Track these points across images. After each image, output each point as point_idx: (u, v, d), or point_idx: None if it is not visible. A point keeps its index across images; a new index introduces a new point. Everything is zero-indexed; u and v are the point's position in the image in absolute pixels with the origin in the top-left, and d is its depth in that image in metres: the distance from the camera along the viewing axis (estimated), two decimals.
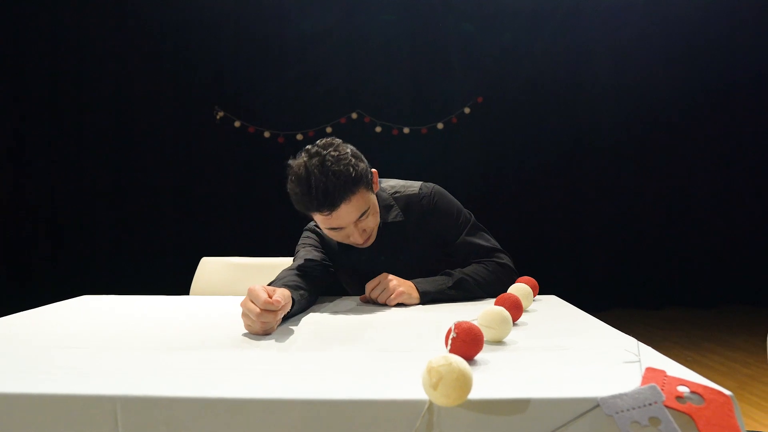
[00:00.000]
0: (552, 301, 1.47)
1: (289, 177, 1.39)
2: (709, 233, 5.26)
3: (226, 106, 5.04)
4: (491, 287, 1.47)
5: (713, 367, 3.41)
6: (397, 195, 1.59)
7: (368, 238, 1.46)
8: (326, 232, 1.45)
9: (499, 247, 1.62)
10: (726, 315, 4.92)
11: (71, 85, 5.02)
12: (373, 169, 1.48)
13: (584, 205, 5.22)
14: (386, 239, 1.54)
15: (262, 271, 2.16)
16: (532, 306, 1.34)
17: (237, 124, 5.05)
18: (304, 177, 1.31)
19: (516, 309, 1.11)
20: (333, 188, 1.29)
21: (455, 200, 1.64)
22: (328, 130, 5.08)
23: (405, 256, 1.56)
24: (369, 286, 1.42)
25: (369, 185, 1.41)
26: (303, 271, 1.42)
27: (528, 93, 5.10)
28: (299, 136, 5.06)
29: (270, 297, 1.06)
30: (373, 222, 1.44)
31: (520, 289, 1.25)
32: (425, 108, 5.07)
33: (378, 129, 5.07)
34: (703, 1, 5.04)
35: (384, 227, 1.54)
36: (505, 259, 1.58)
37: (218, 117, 5.04)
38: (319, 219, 1.39)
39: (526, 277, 1.38)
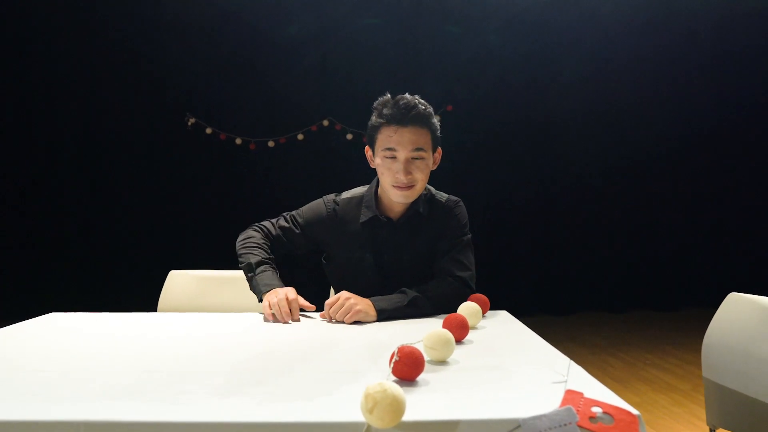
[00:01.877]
0: (501, 317, 1.53)
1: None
2: (671, 238, 5.44)
3: (198, 112, 5.05)
4: (445, 304, 1.52)
5: (670, 369, 3.54)
6: (425, 192, 1.70)
7: (408, 188, 1.55)
8: (378, 159, 1.58)
9: (471, 268, 1.68)
10: (687, 318, 5.09)
11: (37, 95, 4.97)
12: (440, 149, 1.64)
13: (552, 210, 5.35)
14: (406, 229, 1.66)
15: (231, 284, 2.21)
16: (482, 323, 1.41)
17: (209, 130, 5.06)
18: (399, 95, 1.55)
19: (461, 329, 1.18)
20: (415, 109, 1.51)
21: (467, 218, 1.76)
22: (300, 137, 5.12)
23: (406, 259, 1.66)
24: (328, 304, 1.48)
25: (436, 141, 1.60)
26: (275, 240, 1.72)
27: (497, 101, 5.21)
28: (271, 143, 5.09)
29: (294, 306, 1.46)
30: (420, 174, 1.55)
31: (468, 308, 1.32)
32: None
33: (349, 136, 5.13)
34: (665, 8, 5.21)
35: (410, 215, 1.65)
36: (467, 276, 1.64)
37: (189, 123, 5.04)
38: (385, 134, 1.54)
39: (477, 295, 1.46)
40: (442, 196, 1.73)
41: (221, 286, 2.22)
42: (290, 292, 1.49)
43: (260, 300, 1.57)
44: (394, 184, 1.55)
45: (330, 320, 1.48)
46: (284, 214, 1.83)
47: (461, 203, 1.74)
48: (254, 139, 5.10)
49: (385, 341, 1.27)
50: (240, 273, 2.20)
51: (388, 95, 1.57)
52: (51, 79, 4.97)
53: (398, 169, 1.52)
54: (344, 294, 1.49)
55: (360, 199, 1.70)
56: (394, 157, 1.53)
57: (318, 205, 1.76)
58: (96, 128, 5.02)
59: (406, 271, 1.64)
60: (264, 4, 5.00)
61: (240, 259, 1.70)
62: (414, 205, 1.64)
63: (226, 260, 4.96)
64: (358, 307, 1.44)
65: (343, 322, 1.45)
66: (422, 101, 1.55)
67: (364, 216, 1.65)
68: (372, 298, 1.50)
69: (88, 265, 5.00)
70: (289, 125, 5.13)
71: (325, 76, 5.13)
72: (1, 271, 4.97)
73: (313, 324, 1.50)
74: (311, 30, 5.07)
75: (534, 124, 5.28)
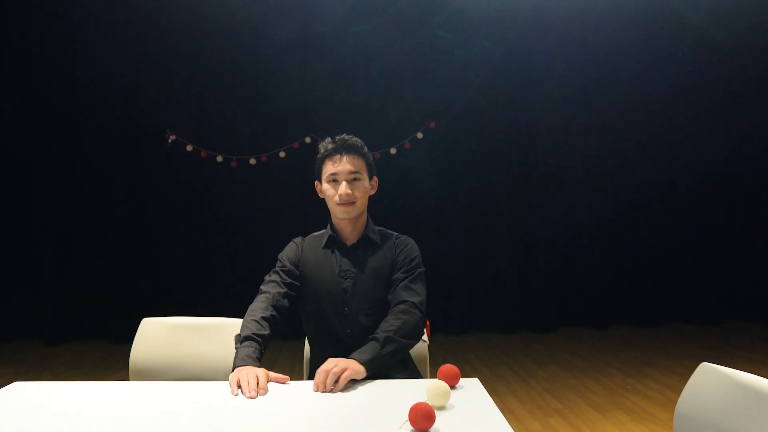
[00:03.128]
0: (470, 392, 1.47)
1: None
2: (663, 250, 5.46)
3: (178, 129, 4.99)
4: (410, 331, 1.71)
5: (650, 396, 3.55)
6: (380, 229, 1.98)
7: (350, 205, 1.82)
8: (324, 186, 1.86)
9: (422, 295, 1.85)
10: (667, 335, 5.12)
11: (16, 110, 4.89)
12: (376, 178, 1.95)
13: (533, 227, 5.36)
14: (360, 252, 1.89)
15: (204, 332, 2.17)
16: (451, 401, 1.37)
17: (189, 148, 5.01)
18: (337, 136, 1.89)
19: (427, 420, 1.15)
20: (351, 141, 1.85)
21: (418, 252, 1.95)
22: (282, 154, 5.08)
23: (364, 280, 1.85)
24: (317, 380, 1.48)
25: (371, 170, 1.90)
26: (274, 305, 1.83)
27: (479, 118, 5.20)
28: (252, 161, 5.04)
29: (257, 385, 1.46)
30: (359, 194, 1.83)
31: (436, 388, 1.30)
32: (379, 133, 5.11)
33: None
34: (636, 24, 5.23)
35: (363, 240, 1.90)
36: (417, 301, 1.79)
37: (170, 140, 4.98)
38: (328, 164, 1.84)
39: (447, 366, 1.44)
40: (395, 234, 1.99)
41: (194, 333, 2.17)
42: (260, 372, 1.52)
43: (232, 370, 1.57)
44: (339, 202, 1.81)
45: (324, 391, 1.46)
46: (274, 271, 1.98)
47: (412, 240, 1.97)
48: (236, 156, 5.05)
49: (363, 416, 1.24)
50: (215, 320, 2.21)
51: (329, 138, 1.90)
52: (29, 95, 4.89)
53: (341, 189, 1.80)
54: (326, 364, 1.50)
55: (321, 235, 1.97)
56: (336, 180, 1.83)
57: (291, 245, 2.01)
58: (72, 147, 4.94)
59: (365, 294, 1.84)
60: (245, 19, 4.94)
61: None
62: (366, 231, 1.91)
63: (204, 283, 4.90)
64: (347, 372, 1.47)
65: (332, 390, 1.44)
66: (357, 138, 1.89)
67: (324, 240, 1.92)
68: (350, 355, 1.58)
69: (65, 287, 4.93)
70: (271, 142, 5.08)
71: (307, 93, 5.09)
72: None
73: (304, 392, 1.47)
74: (293, 47, 5.02)
75: (516, 144, 5.28)
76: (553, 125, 5.29)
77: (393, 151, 5.15)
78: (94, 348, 4.74)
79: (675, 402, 3.18)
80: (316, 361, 1.79)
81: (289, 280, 1.91)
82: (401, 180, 5.08)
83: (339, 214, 1.86)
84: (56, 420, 1.28)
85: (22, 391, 1.56)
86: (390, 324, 1.70)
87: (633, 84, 5.31)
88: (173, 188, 5.01)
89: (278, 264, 1.97)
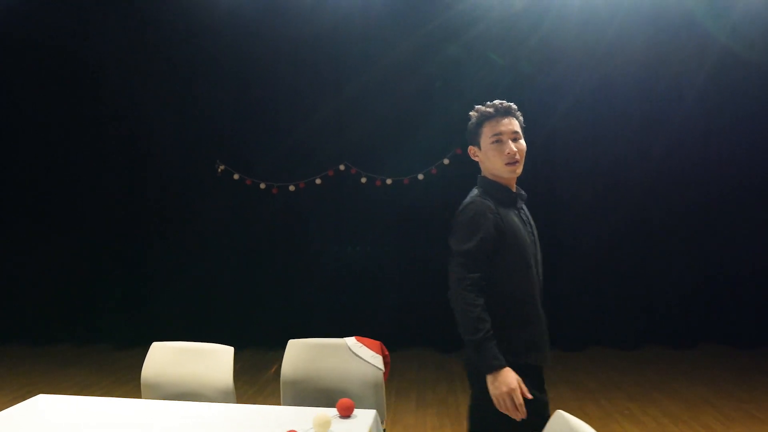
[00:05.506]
0: (356, 422, 1.80)
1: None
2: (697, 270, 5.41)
3: (227, 160, 5.58)
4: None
5: (645, 423, 3.67)
6: None
7: (517, 162, 1.91)
8: (487, 147, 1.93)
9: None
10: (699, 357, 5.08)
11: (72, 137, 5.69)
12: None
13: (556, 245, 5.43)
14: (525, 208, 2.07)
15: (204, 357, 2.62)
16: (333, 428, 1.71)
17: (236, 176, 5.59)
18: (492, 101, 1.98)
19: None
20: (508, 105, 1.95)
21: None
22: (318, 181, 5.54)
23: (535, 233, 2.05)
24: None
25: (523, 132, 1.99)
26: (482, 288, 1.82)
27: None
28: (291, 188, 5.54)
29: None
30: (521, 152, 1.93)
31: (318, 418, 1.65)
32: (407, 159, 5.45)
33: (363, 180, 5.49)
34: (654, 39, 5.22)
35: (523, 198, 2.07)
36: None
37: (219, 170, 5.58)
38: (489, 126, 1.92)
39: (344, 400, 1.78)
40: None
41: (196, 357, 2.63)
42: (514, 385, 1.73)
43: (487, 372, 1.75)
44: (507, 161, 1.90)
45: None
46: (465, 249, 1.84)
47: None
48: (277, 183, 5.57)
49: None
50: (209, 346, 2.65)
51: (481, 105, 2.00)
52: (94, 124, 5.67)
53: (508, 148, 1.89)
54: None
55: (498, 190, 1.96)
56: (501, 141, 1.91)
57: (480, 206, 1.87)
58: (137, 176, 5.67)
59: (538, 244, 2.05)
60: (285, 58, 5.45)
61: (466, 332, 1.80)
62: (522, 191, 2.07)
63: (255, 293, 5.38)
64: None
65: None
66: (511, 103, 1.99)
67: (509, 198, 1.98)
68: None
69: (128, 299, 5.66)
70: (309, 170, 5.56)
71: (342, 124, 5.51)
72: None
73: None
74: (327, 83, 5.47)
75: (542, 170, 5.39)
76: (583, 144, 5.37)
77: (421, 176, 5.47)
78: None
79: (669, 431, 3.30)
80: (510, 317, 1.85)
81: (490, 249, 1.84)
82: (427, 204, 5.37)
83: (506, 173, 1.93)
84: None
85: (44, 403, 2.06)
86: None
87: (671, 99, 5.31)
88: (222, 212, 5.61)
89: (474, 236, 1.82)
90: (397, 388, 4.46)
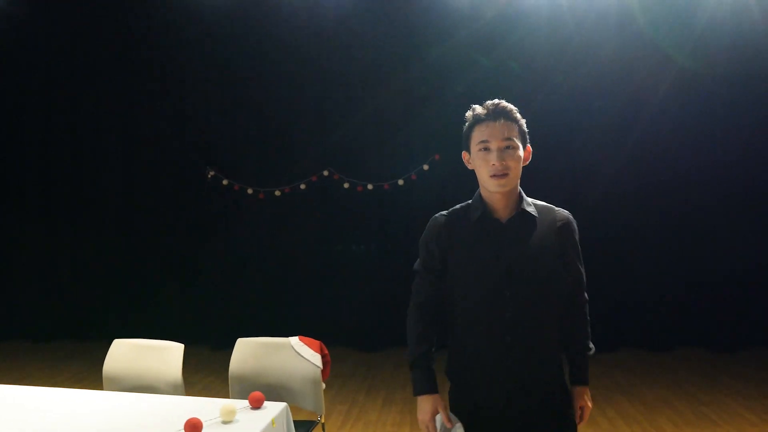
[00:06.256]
0: (261, 413, 1.97)
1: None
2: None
3: (216, 166, 5.82)
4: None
5: (600, 424, 3.78)
6: (536, 202, 1.79)
7: (503, 177, 1.64)
8: (474, 155, 1.71)
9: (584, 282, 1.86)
10: (676, 359, 5.16)
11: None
12: (530, 147, 1.75)
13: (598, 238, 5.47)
14: (517, 227, 1.72)
15: (157, 352, 2.81)
16: (238, 416, 1.89)
17: (225, 182, 5.81)
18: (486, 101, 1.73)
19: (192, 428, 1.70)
20: (503, 106, 1.69)
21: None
22: (302, 186, 5.74)
23: (524, 260, 1.69)
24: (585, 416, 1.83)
25: (524, 137, 1.72)
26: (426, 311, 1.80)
27: None
28: (277, 192, 5.75)
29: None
30: (513, 162, 1.66)
31: (225, 407, 1.83)
32: (388, 165, 5.63)
33: (346, 185, 5.68)
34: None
35: (518, 216, 1.72)
36: (586, 299, 1.88)
37: (209, 175, 5.82)
38: (478, 130, 1.69)
39: (255, 393, 1.96)
40: (551, 205, 1.82)
41: (151, 353, 2.83)
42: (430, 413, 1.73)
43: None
44: (491, 174, 1.65)
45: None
46: (414, 268, 1.86)
47: (572, 218, 1.81)
48: (263, 189, 5.78)
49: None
50: (162, 343, 2.85)
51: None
52: (92, 128, 5.95)
53: (492, 158, 1.64)
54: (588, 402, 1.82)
55: (467, 206, 1.80)
56: (488, 149, 1.66)
57: (431, 222, 1.84)
58: (132, 179, 5.94)
59: (526, 275, 1.68)
60: (269, 69, 5.66)
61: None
62: (520, 206, 1.73)
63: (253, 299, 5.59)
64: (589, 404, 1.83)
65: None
66: (509, 104, 1.72)
67: (475, 215, 1.74)
68: (573, 377, 1.83)
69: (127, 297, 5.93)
70: (293, 176, 5.76)
71: (325, 131, 5.71)
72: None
73: None
74: (311, 90, 5.67)
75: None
76: (600, 148, 5.44)
77: (401, 182, 5.63)
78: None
79: None
80: (461, 357, 1.77)
81: (438, 268, 1.78)
82: (407, 209, 5.54)
83: (491, 187, 1.68)
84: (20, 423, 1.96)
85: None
86: (584, 330, 1.83)
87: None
88: (211, 215, 5.84)
89: (421, 254, 1.83)
90: (369, 386, 4.63)
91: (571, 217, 1.80)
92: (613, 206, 5.39)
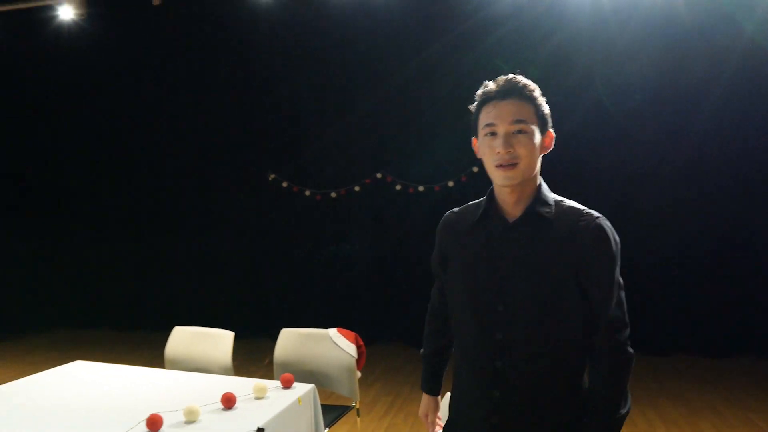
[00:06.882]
0: (289, 392, 2.21)
1: None
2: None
3: (276, 169, 6.20)
4: (627, 394, 1.39)
5: (638, 425, 3.80)
6: (560, 201, 1.45)
7: (511, 167, 1.36)
8: (482, 140, 1.43)
9: (628, 321, 1.40)
10: (733, 366, 5.02)
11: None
12: (553, 132, 1.46)
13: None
14: (524, 231, 1.41)
15: (210, 339, 3.14)
16: (268, 394, 2.16)
17: (284, 184, 6.18)
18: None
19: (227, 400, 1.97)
20: (515, 82, 1.39)
21: (617, 241, 1.39)
22: (357, 188, 6.01)
23: (524, 272, 1.38)
24: None
25: (543, 120, 1.41)
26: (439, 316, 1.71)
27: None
28: (333, 194, 6.06)
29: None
30: (524, 150, 1.36)
31: (257, 385, 2.09)
32: (439, 168, 5.80)
33: (398, 187, 5.90)
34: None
35: (527, 217, 1.41)
36: (631, 349, 1.39)
37: (270, 178, 6.21)
38: (484, 112, 1.42)
39: (286, 374, 2.21)
40: (578, 206, 1.43)
41: (205, 339, 3.17)
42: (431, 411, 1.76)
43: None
44: (496, 163, 1.38)
45: None
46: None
47: (605, 222, 1.39)
48: (320, 191, 6.11)
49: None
50: (215, 330, 3.16)
51: None
52: (160, 136, 6.48)
53: (498, 145, 1.36)
54: None
55: (478, 203, 1.54)
56: (494, 133, 1.39)
57: (441, 220, 1.66)
58: (200, 186, 6.42)
59: (524, 291, 1.37)
60: (325, 76, 5.96)
61: None
62: (534, 204, 1.41)
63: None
64: None
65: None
66: (525, 79, 1.42)
67: (478, 213, 1.49)
68: None
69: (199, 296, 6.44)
70: (348, 179, 6.05)
71: (378, 135, 5.95)
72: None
73: None
74: (365, 95, 5.92)
75: (572, 174, 5.51)
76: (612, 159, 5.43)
77: (451, 183, 5.79)
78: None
79: None
80: (455, 390, 1.58)
81: (439, 272, 1.64)
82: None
83: (497, 180, 1.41)
84: (98, 394, 2.32)
85: (80, 369, 2.66)
86: (609, 387, 1.36)
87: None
88: (273, 215, 6.23)
89: (433, 255, 1.68)
90: (415, 380, 4.82)
91: (602, 221, 1.37)
92: (659, 206, 5.33)
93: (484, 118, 1.42)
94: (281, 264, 6.22)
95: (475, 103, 1.47)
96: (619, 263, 1.38)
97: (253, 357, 5.39)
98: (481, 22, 5.51)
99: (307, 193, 6.14)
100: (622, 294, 1.39)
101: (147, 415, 1.87)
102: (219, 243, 6.40)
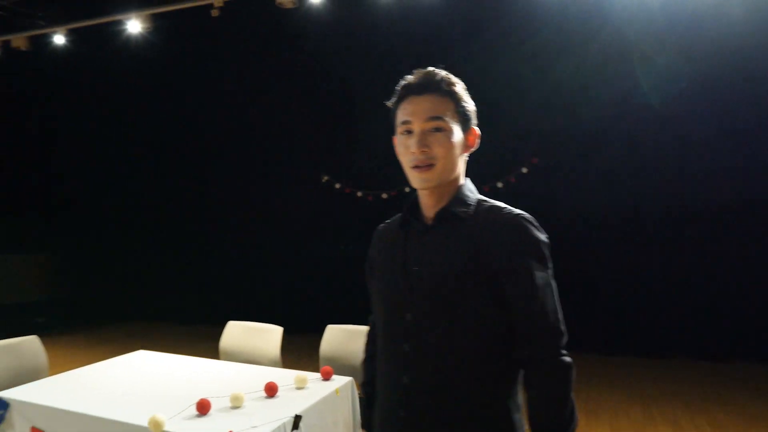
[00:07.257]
0: (328, 384, 2.34)
1: None
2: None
3: (330, 171, 6.40)
4: (570, 415, 1.18)
5: (683, 428, 3.74)
6: (483, 201, 1.34)
7: (427, 169, 1.26)
8: (399, 138, 1.33)
9: (563, 328, 1.22)
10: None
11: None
12: (477, 130, 1.36)
13: (646, 257, 5.45)
14: (437, 233, 1.30)
15: (264, 334, 3.34)
16: (309, 384, 2.30)
17: (337, 186, 6.38)
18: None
19: (270, 390, 2.13)
20: (431, 75, 1.29)
21: (544, 240, 1.26)
22: (407, 189, 6.12)
23: (432, 275, 1.26)
24: None
25: (464, 117, 1.31)
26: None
27: (579, 156, 5.54)
28: (384, 195, 6.20)
29: None
30: (441, 150, 1.26)
31: (298, 376, 2.24)
32: (489, 169, 5.83)
33: None
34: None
35: (441, 218, 1.31)
36: (567, 357, 1.20)
37: (323, 180, 6.42)
38: (401, 109, 1.31)
39: (326, 367, 2.35)
40: (501, 204, 1.32)
41: (256, 333, 3.36)
42: None
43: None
44: (411, 164, 1.29)
45: None
46: None
47: (527, 217, 1.26)
48: (372, 192, 6.27)
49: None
50: (266, 325, 3.35)
51: None
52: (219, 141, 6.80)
53: (413, 143, 1.26)
54: None
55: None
56: (410, 131, 1.28)
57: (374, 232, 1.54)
58: (257, 188, 6.71)
59: (438, 286, 1.24)
60: (378, 81, 6.08)
61: None
62: (450, 204, 1.31)
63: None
64: None
65: None
66: (445, 72, 1.31)
67: (400, 218, 1.41)
68: None
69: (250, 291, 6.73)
70: (398, 181, 6.16)
71: None
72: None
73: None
74: None
75: (623, 181, 5.44)
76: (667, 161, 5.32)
77: (500, 184, 5.81)
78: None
79: None
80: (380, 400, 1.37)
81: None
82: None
83: (414, 182, 1.32)
84: (157, 382, 2.55)
85: (143, 358, 2.90)
86: (545, 407, 1.18)
87: None
88: (325, 215, 6.45)
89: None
90: None
91: (522, 218, 1.25)
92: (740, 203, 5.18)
93: (401, 114, 1.31)
94: (330, 262, 6.42)
95: (394, 99, 1.34)
96: (548, 264, 1.23)
97: (301, 351, 5.58)
98: (524, 22, 5.46)
99: (359, 194, 6.31)
100: (554, 298, 1.22)
101: (197, 399, 2.06)
102: (273, 242, 6.67)
